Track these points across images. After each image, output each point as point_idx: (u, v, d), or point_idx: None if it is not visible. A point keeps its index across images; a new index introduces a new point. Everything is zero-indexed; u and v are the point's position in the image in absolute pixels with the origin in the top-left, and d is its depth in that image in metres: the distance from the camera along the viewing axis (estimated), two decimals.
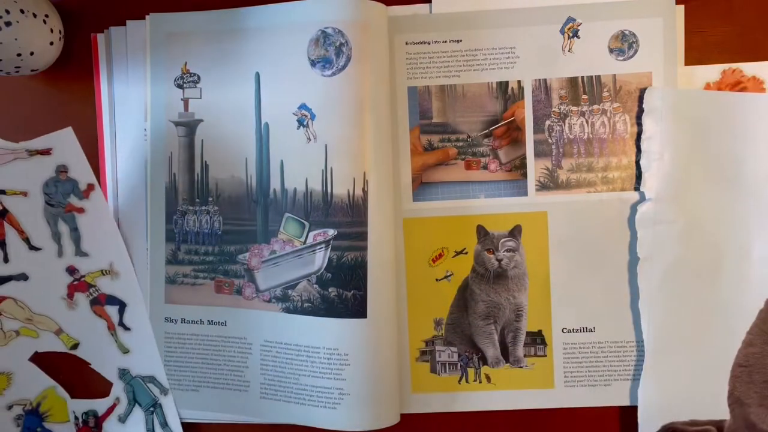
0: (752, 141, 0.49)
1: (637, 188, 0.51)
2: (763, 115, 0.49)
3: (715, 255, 0.50)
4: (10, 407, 0.56)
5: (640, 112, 0.51)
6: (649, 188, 0.50)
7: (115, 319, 0.55)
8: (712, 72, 0.51)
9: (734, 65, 0.50)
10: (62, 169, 0.54)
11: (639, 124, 0.51)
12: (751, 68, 0.50)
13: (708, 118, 0.50)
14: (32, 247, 0.54)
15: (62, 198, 0.54)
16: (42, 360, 0.56)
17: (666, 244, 0.50)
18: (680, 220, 0.50)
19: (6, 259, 0.54)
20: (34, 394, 0.56)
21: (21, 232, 0.54)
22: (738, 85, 0.50)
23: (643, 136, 0.50)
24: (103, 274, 0.55)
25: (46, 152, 0.53)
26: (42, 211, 0.54)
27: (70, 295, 0.55)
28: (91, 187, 0.54)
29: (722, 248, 0.50)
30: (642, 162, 0.51)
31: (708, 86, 0.51)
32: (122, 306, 0.55)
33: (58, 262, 0.55)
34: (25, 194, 0.54)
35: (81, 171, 0.54)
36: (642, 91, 0.51)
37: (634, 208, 0.51)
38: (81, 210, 0.54)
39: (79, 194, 0.54)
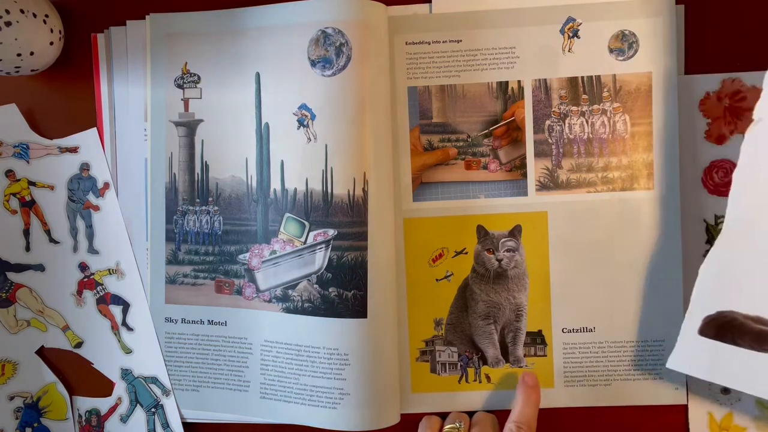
0: None
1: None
2: None
3: None
4: (11, 398, 0.57)
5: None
6: None
7: (119, 319, 0.56)
8: (712, 82, 0.51)
9: (734, 75, 0.50)
10: (85, 167, 0.55)
11: (640, 124, 0.51)
12: (750, 78, 0.50)
13: None
14: (52, 240, 0.56)
15: (82, 195, 0.55)
16: (47, 355, 0.57)
17: None
18: None
19: (28, 248, 0.56)
20: (35, 388, 0.57)
21: (44, 223, 0.56)
22: (738, 94, 0.51)
23: None
24: (110, 273, 0.55)
25: (74, 150, 0.55)
26: (64, 205, 0.56)
27: (80, 292, 0.56)
28: (106, 186, 0.55)
29: None
30: None
31: (707, 96, 0.51)
32: (126, 306, 0.55)
33: (72, 257, 0.56)
34: (52, 188, 0.56)
35: (100, 170, 0.55)
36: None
37: (634, 206, 0.51)
38: (97, 208, 0.55)
39: (97, 192, 0.55)
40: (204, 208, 0.54)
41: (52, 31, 0.51)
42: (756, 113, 0.45)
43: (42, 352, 0.57)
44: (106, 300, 0.56)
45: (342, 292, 0.51)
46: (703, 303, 0.46)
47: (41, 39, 0.50)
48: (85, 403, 0.56)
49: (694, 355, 0.47)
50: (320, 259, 0.52)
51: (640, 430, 0.53)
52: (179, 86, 0.54)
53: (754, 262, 0.45)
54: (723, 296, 0.46)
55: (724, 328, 0.46)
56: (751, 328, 0.45)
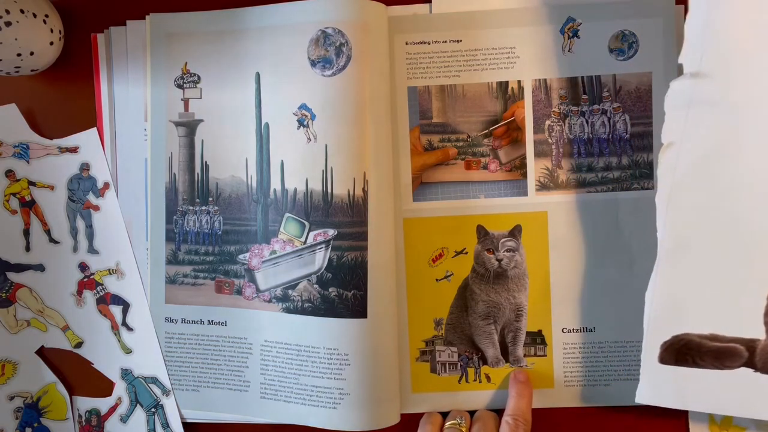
0: None
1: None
2: None
3: (763, 145, 0.42)
4: (11, 398, 0.57)
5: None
6: (690, 60, 0.43)
7: (119, 319, 0.56)
8: None
9: None
10: (85, 167, 0.55)
11: (641, 124, 0.51)
12: None
13: None
14: (52, 240, 0.56)
15: (82, 195, 0.55)
16: (47, 355, 0.57)
17: (701, 129, 0.43)
18: (725, 101, 0.42)
19: (28, 248, 0.56)
20: (36, 388, 0.57)
21: (44, 223, 0.56)
22: None
23: (691, 2, 0.43)
24: (110, 273, 0.55)
25: (74, 150, 0.55)
26: (64, 205, 0.56)
27: (80, 292, 0.56)
28: (106, 185, 0.55)
29: None
30: (686, 27, 0.43)
31: None
32: (126, 306, 0.55)
33: (72, 257, 0.56)
34: (52, 188, 0.56)
35: (100, 170, 0.55)
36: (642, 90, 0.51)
37: (634, 206, 0.51)
38: (97, 208, 0.55)
39: (97, 192, 0.55)
40: (204, 208, 0.54)
41: (52, 31, 0.51)
42: (664, 137, 0.45)
43: (42, 352, 0.57)
44: (106, 300, 0.56)
45: (342, 292, 0.51)
46: (657, 330, 0.46)
47: (41, 39, 0.50)
48: (85, 403, 0.56)
49: (660, 385, 0.46)
50: (320, 259, 0.52)
51: (640, 431, 0.53)
52: (179, 86, 0.54)
53: (694, 281, 0.45)
54: (674, 320, 0.45)
55: (682, 351, 0.45)
56: (708, 347, 0.45)
